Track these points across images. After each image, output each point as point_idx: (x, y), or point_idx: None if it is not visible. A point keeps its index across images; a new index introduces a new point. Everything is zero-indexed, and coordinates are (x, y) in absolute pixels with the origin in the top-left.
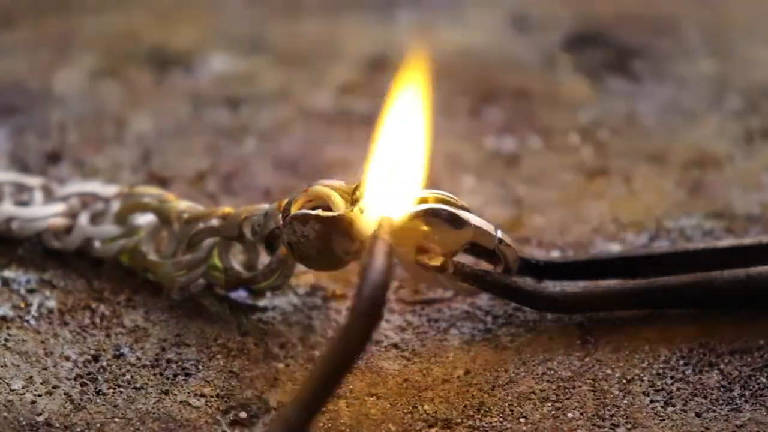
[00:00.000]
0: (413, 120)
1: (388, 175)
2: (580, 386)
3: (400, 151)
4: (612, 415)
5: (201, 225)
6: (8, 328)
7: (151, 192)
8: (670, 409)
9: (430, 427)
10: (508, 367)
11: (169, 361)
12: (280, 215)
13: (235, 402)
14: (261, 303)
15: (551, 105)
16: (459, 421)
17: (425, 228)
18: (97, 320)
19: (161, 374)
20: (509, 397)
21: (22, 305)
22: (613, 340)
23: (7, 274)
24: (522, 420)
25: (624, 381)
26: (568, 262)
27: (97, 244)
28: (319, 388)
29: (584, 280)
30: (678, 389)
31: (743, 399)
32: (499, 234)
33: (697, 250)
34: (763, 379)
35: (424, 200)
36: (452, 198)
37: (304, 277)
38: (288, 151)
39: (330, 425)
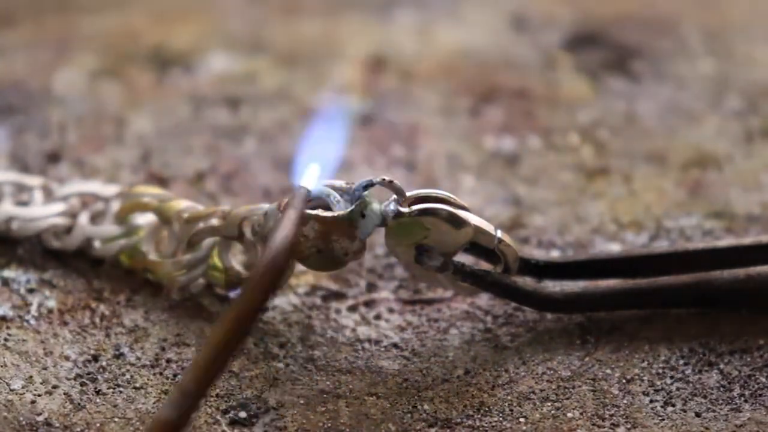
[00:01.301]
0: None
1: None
2: (579, 386)
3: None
4: (612, 415)
5: (201, 225)
6: (8, 328)
7: (151, 192)
8: (669, 408)
9: (430, 426)
10: (508, 367)
11: (168, 360)
12: (280, 215)
13: (234, 401)
14: None
15: (551, 105)
16: (459, 420)
17: (425, 228)
18: (97, 320)
19: (161, 374)
20: (509, 397)
21: (22, 305)
22: (613, 340)
23: (7, 274)
24: (522, 420)
25: (624, 381)
26: (568, 262)
27: (97, 243)
28: (219, 350)
29: (584, 280)
30: (678, 389)
31: (743, 399)
32: (499, 234)
33: (697, 250)
34: (763, 379)
35: (423, 200)
36: (452, 198)
37: (304, 276)
38: (288, 151)
39: (330, 425)
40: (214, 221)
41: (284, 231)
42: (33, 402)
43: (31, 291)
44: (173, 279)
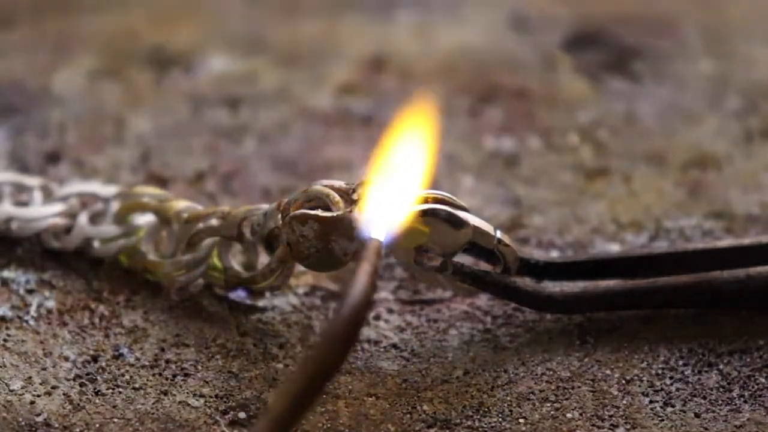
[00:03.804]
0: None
1: (388, 181)
2: (579, 387)
3: (401, 160)
4: (611, 416)
5: (200, 225)
6: (7, 328)
7: (150, 192)
8: (669, 409)
9: (429, 427)
10: (507, 368)
11: (168, 361)
12: (280, 215)
13: (234, 402)
14: (260, 303)
15: (551, 105)
16: (458, 421)
17: (425, 228)
18: (96, 320)
19: (160, 374)
20: (508, 398)
21: (22, 305)
22: (613, 340)
23: (7, 274)
24: (521, 420)
25: (623, 381)
26: (568, 262)
27: (96, 244)
28: (293, 405)
29: (584, 280)
30: (677, 389)
31: (742, 399)
32: (499, 234)
33: (697, 250)
34: (763, 380)
35: (423, 200)
36: (451, 198)
37: (304, 277)
38: (287, 151)
39: (329, 425)
40: (214, 221)
41: (360, 284)
42: (32, 402)
43: (30, 291)
44: (173, 279)
